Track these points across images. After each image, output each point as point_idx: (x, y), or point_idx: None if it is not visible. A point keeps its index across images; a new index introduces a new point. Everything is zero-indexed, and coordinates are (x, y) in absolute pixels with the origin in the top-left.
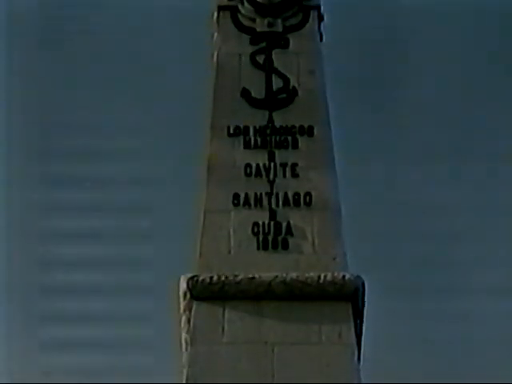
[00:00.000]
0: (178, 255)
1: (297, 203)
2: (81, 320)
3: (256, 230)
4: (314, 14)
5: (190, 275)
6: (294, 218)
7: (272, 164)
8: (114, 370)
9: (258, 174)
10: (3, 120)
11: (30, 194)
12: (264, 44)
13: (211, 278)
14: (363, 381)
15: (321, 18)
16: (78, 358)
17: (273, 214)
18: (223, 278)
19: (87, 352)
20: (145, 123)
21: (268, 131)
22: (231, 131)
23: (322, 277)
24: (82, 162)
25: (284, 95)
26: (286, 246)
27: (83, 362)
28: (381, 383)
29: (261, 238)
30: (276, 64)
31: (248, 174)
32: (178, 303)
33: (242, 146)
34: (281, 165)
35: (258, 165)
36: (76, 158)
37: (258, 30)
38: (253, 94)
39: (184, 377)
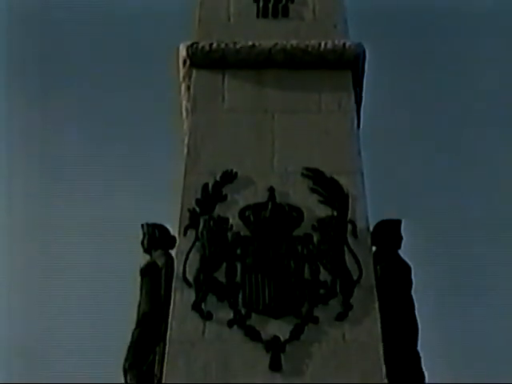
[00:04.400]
0: (178, 25)
1: None
2: None
3: None
4: None
5: (189, 42)
6: None
7: None
8: None
9: None
10: None
11: None
12: None
13: (211, 45)
14: (362, 148)
15: None
16: None
17: None
18: (223, 46)
19: None
20: None
21: None
22: None
23: (323, 44)
24: None
25: None
26: (286, 13)
27: None
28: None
29: (261, 5)
30: None
31: None
32: (178, 71)
33: None
34: None
35: None
36: None
37: None
38: None
39: (185, 147)
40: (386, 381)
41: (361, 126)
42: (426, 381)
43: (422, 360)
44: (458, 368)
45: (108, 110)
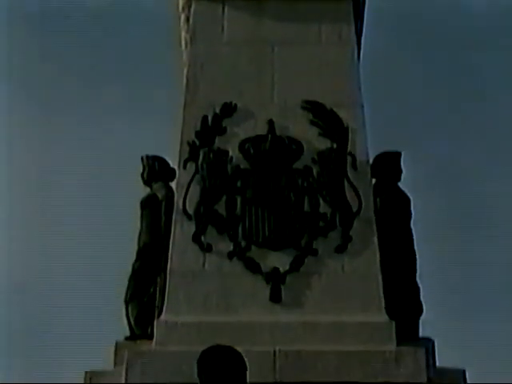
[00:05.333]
0: None
1: None
2: None
3: None
4: None
5: None
6: None
7: None
8: None
9: None
10: None
11: None
12: None
13: None
14: (363, 80)
15: None
16: None
17: None
18: None
19: None
20: None
21: None
22: None
23: None
24: None
25: None
26: None
27: None
28: None
29: None
30: None
31: None
32: (177, 1)
33: None
34: None
35: None
36: None
37: None
38: None
39: (184, 78)
40: (384, 312)
41: (361, 59)
42: (424, 312)
43: (421, 291)
44: (457, 298)
45: (107, 44)
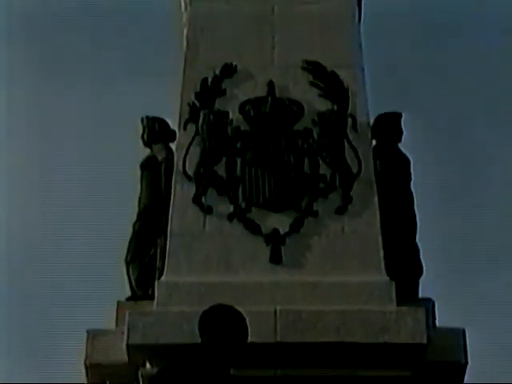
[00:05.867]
0: None
1: None
2: None
3: None
4: None
5: None
6: None
7: None
8: None
9: None
10: None
11: None
12: None
13: None
14: (363, 41)
15: None
16: None
17: None
18: None
19: None
20: None
21: None
22: None
23: None
24: None
25: None
26: None
27: None
28: None
29: None
30: None
31: None
32: None
33: None
34: None
35: None
36: None
37: None
38: None
39: (184, 39)
40: (384, 273)
41: (362, 20)
42: (424, 273)
43: (421, 253)
44: (457, 260)
45: (108, 5)
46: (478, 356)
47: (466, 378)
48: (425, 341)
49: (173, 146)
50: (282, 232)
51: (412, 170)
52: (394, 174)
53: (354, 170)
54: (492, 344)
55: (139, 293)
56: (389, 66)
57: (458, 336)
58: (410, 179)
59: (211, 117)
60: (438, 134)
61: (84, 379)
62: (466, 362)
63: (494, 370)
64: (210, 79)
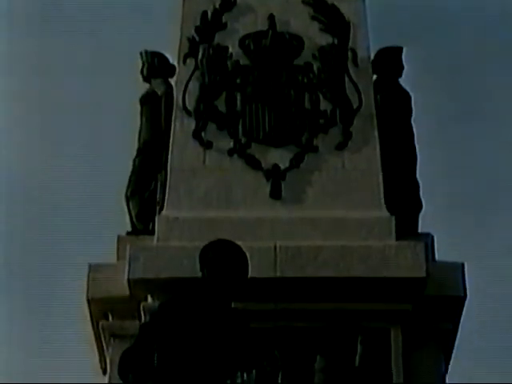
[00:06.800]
0: None
1: None
2: None
3: None
4: None
5: None
6: None
7: None
8: None
9: None
10: None
11: None
12: None
13: None
14: None
15: None
16: None
17: None
18: None
19: None
20: None
21: None
22: None
23: None
24: None
25: None
26: None
27: None
28: None
29: None
30: None
31: None
32: None
33: None
34: None
35: None
36: None
37: None
38: None
39: None
40: (384, 208)
41: None
42: (424, 209)
43: (421, 187)
44: (457, 191)
45: None
46: (478, 290)
47: (466, 312)
48: (424, 274)
49: (172, 81)
50: (282, 167)
51: (413, 105)
52: (394, 109)
53: (355, 104)
54: (492, 278)
55: (140, 227)
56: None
57: (457, 270)
58: (411, 114)
59: (211, 51)
60: (438, 68)
61: (86, 314)
62: (465, 296)
63: (494, 303)
64: (209, 13)
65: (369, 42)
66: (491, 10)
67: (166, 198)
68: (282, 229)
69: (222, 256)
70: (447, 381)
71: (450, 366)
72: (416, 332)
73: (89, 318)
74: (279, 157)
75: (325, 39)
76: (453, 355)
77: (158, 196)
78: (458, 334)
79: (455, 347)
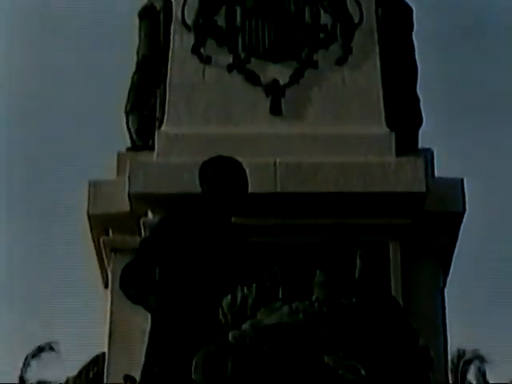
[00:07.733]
0: None
1: None
2: None
3: None
4: None
5: None
6: None
7: None
8: None
9: None
10: None
11: None
12: None
13: None
14: None
15: None
16: None
17: None
18: None
19: None
20: None
21: None
22: None
23: None
24: None
25: None
26: None
27: None
28: None
29: None
30: None
31: None
32: None
33: None
34: None
35: None
36: None
37: None
38: None
39: None
40: (384, 124)
41: None
42: (424, 124)
43: (421, 102)
44: (458, 105)
45: None
46: (477, 205)
47: (466, 226)
48: (423, 189)
49: None
50: (281, 83)
51: (414, 20)
52: (395, 23)
53: (356, 19)
54: (491, 192)
55: (139, 143)
56: None
57: (456, 185)
58: (412, 28)
59: None
60: None
61: (87, 230)
62: (464, 211)
63: (493, 218)
64: None
65: None
66: None
67: (166, 113)
68: (281, 145)
69: (221, 171)
70: (446, 294)
71: (448, 279)
72: (414, 246)
73: (89, 233)
74: (279, 72)
75: None
76: (451, 269)
77: (157, 112)
78: (457, 247)
79: (454, 260)
